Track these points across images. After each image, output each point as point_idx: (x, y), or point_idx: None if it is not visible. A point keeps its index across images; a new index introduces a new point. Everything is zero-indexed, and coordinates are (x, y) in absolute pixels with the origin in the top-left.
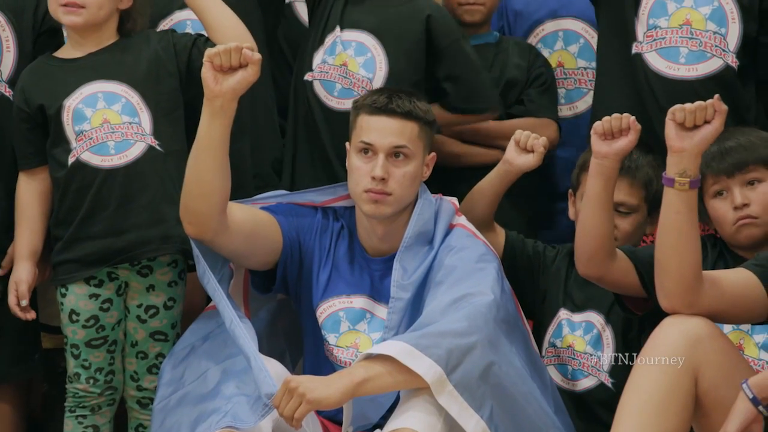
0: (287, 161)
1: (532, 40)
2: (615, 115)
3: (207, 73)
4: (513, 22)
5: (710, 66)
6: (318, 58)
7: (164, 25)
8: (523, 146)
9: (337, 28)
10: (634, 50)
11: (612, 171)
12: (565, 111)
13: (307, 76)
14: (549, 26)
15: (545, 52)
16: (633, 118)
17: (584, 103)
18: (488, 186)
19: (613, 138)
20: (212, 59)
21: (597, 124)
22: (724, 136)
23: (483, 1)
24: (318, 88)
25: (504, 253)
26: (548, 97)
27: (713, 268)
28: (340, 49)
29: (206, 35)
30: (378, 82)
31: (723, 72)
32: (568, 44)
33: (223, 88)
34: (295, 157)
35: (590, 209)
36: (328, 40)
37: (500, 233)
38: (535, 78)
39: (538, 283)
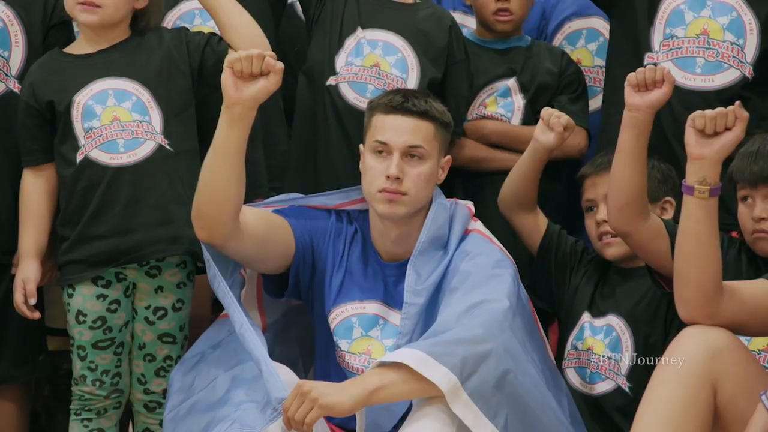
0: (300, 167)
1: (559, 37)
2: (649, 66)
3: (227, 80)
4: (544, 21)
5: (727, 77)
6: (341, 60)
7: (172, 15)
8: (546, 123)
9: (359, 29)
10: (647, 61)
11: (644, 124)
12: None
13: (331, 81)
14: (575, 24)
15: (567, 49)
16: (667, 69)
17: (595, 102)
18: (520, 167)
19: (646, 89)
20: (233, 65)
21: (631, 75)
22: (764, 139)
23: (515, 11)
24: (346, 90)
25: (542, 242)
26: (580, 105)
27: (747, 272)
28: (368, 49)
29: (219, 34)
30: (412, 82)
31: (739, 83)
32: (588, 42)
33: (243, 96)
34: (314, 162)
35: (621, 162)
36: (349, 42)
37: (542, 221)
38: (567, 84)
39: (570, 279)
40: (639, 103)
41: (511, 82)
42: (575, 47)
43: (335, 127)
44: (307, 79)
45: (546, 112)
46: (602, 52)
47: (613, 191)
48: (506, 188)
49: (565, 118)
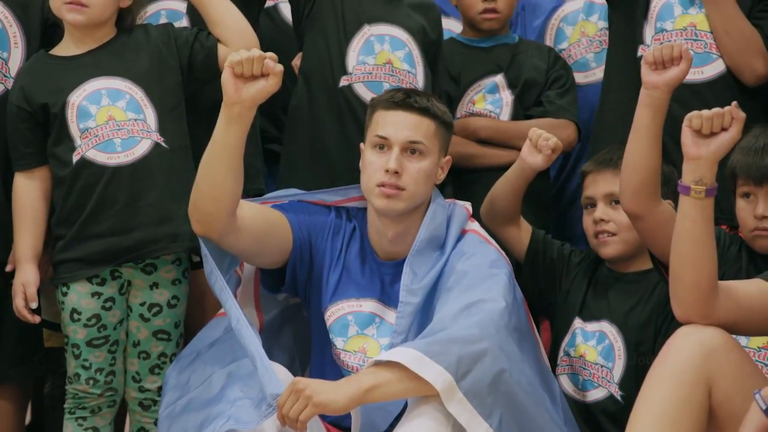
0: (307, 168)
1: (554, 23)
2: (667, 43)
3: (227, 80)
4: (527, 15)
5: (716, 68)
6: (351, 59)
7: (139, 17)
8: (534, 144)
9: (365, 26)
10: (639, 53)
11: (662, 102)
12: (598, 74)
13: (344, 81)
14: (569, 6)
15: (569, 30)
16: (685, 47)
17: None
18: (506, 182)
19: (663, 68)
20: (234, 66)
21: (647, 53)
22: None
23: (501, 10)
24: (361, 90)
25: (527, 251)
26: (567, 99)
27: (747, 269)
28: (378, 47)
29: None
30: (419, 76)
31: (727, 74)
32: (589, 15)
33: (242, 96)
34: (325, 162)
35: (637, 141)
36: (357, 40)
37: (526, 230)
38: (555, 80)
39: (560, 284)
40: (656, 81)
41: (499, 79)
42: (576, 23)
43: (352, 127)
44: (305, 79)
45: (534, 133)
46: (605, 16)
47: (628, 172)
48: (490, 202)
49: (553, 140)
